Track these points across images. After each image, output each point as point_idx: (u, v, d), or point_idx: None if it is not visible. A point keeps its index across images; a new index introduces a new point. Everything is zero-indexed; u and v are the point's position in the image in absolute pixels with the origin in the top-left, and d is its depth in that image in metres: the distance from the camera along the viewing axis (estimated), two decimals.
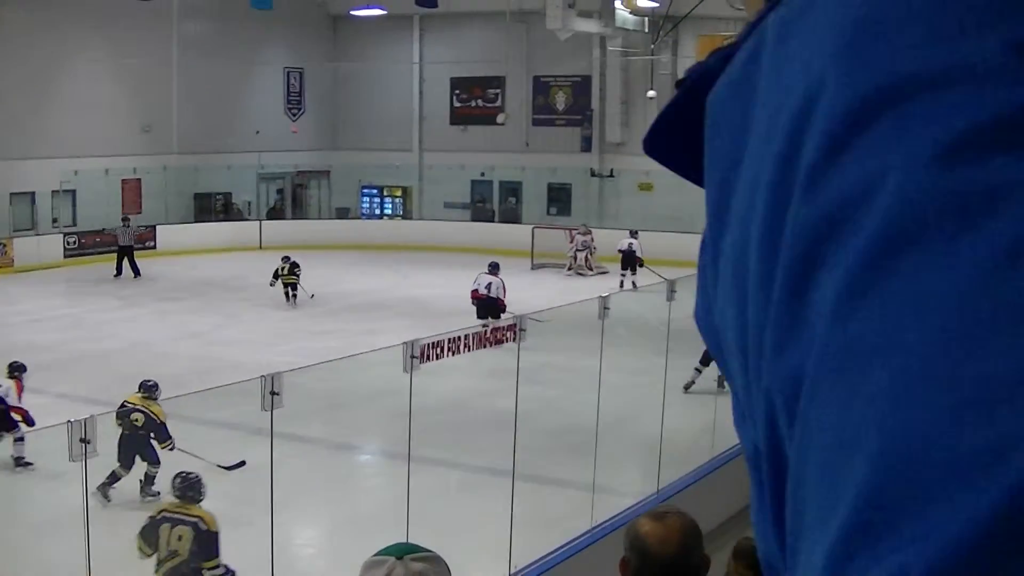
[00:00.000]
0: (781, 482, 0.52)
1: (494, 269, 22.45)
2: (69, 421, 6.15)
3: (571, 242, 33.32)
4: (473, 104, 42.16)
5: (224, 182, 39.62)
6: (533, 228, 35.43)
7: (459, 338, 8.98)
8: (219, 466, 12.12)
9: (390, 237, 38.39)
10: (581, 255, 33.03)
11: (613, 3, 36.62)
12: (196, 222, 38.30)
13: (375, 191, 43.03)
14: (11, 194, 33.33)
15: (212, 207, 39.38)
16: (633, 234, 30.72)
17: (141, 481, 12.46)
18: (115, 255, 31.68)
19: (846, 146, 0.50)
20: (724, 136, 0.59)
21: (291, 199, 42.78)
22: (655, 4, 35.13)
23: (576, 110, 40.25)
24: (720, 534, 11.90)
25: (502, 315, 19.84)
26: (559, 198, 40.46)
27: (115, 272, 31.52)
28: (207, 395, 12.55)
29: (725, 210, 0.58)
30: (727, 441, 14.12)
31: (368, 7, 40.31)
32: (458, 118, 42.49)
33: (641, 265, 29.70)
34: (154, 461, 12.51)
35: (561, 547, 10.48)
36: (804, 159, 0.51)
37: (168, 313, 26.18)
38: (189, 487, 9.60)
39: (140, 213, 36.95)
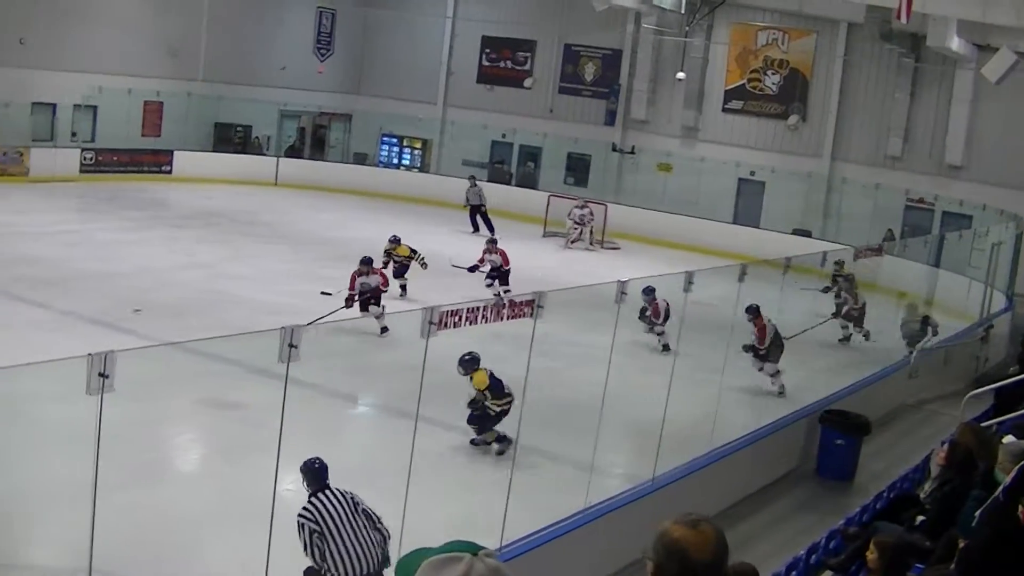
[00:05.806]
0: None
1: None
2: (90, 354, 6.11)
3: (568, 215, 32.84)
4: (501, 65, 41.95)
5: (246, 114, 39.43)
6: (549, 196, 35.25)
7: (477, 308, 8.95)
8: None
9: (405, 188, 38.28)
10: (582, 230, 32.44)
11: None
12: (214, 151, 38.19)
13: (395, 140, 42.86)
14: (32, 104, 33.22)
15: (231, 138, 39.23)
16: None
17: None
18: None
19: None
20: None
21: (310, 139, 42.67)
22: None
23: (603, 83, 40.04)
24: None
25: None
26: (577, 168, 40.29)
27: (472, 229, 32.32)
28: (214, 330, 12.54)
29: None
30: (726, 434, 14.11)
31: None
32: (485, 77, 42.28)
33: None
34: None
35: (553, 524, 10.46)
36: None
37: (177, 240, 26.12)
38: None
39: (159, 136, 36.88)
